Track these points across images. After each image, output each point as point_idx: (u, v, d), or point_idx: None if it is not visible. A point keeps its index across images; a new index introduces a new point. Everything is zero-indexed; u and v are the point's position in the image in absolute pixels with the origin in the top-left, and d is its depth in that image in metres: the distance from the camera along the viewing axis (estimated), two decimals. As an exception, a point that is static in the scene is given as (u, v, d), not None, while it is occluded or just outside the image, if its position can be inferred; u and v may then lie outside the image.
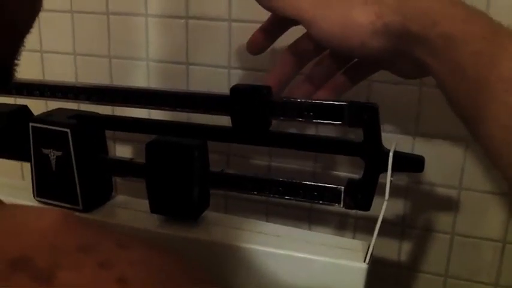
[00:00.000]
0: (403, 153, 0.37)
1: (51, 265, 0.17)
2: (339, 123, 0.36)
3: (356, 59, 0.39)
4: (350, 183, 0.38)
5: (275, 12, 0.38)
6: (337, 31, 0.34)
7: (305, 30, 0.37)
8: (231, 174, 0.40)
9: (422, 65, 0.33)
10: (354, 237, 0.50)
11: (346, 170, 0.49)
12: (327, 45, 0.36)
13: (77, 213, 0.40)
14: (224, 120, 0.40)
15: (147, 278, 0.18)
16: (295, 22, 0.37)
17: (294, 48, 0.39)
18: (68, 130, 0.41)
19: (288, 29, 0.40)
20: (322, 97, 0.39)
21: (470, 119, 0.32)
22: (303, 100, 0.37)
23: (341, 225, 0.51)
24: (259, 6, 0.38)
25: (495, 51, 0.30)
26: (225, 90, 0.49)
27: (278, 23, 0.40)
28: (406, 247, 0.49)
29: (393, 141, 0.37)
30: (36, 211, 0.20)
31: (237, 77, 0.49)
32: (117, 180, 0.54)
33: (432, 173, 0.46)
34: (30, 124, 0.42)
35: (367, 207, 0.37)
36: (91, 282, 0.17)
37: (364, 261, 0.36)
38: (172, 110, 0.41)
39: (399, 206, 0.48)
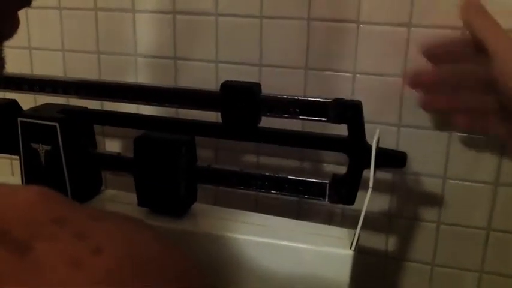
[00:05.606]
0: (386, 149, 0.37)
1: (27, 237, 0.18)
2: (323, 119, 0.37)
3: None
4: (334, 178, 0.38)
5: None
6: None
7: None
8: (217, 169, 0.41)
9: None
10: (341, 228, 0.50)
11: (334, 162, 0.49)
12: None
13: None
14: (212, 116, 0.41)
15: (122, 248, 0.18)
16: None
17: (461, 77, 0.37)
18: (57, 124, 0.41)
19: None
20: (461, 123, 0.37)
21: None
22: (289, 97, 0.38)
23: (329, 217, 0.51)
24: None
25: None
26: (212, 84, 0.50)
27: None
28: (394, 237, 0.50)
29: (378, 133, 0.37)
30: (12, 188, 0.20)
31: (224, 71, 0.50)
32: (107, 175, 0.55)
33: (417, 163, 0.47)
34: (19, 119, 0.42)
35: (351, 201, 0.38)
36: (67, 253, 0.17)
37: (350, 248, 0.37)
38: (161, 106, 0.42)
39: (386, 197, 0.49)
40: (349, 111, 0.36)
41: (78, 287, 0.16)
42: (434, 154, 0.46)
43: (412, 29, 0.44)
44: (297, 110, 0.37)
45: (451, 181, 0.47)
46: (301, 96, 0.37)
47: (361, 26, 0.45)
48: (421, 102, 0.39)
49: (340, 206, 0.50)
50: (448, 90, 0.38)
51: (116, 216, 0.21)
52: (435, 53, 0.38)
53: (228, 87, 0.38)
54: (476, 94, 0.37)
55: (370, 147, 0.36)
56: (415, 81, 0.39)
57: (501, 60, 0.33)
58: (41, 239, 0.18)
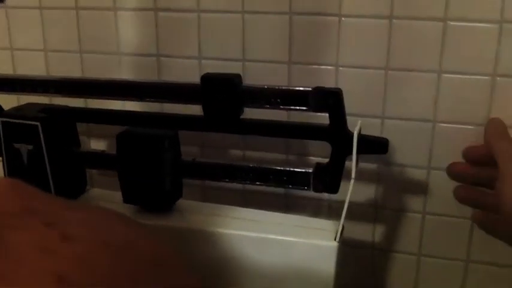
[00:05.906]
0: (368, 136, 0.38)
1: None
2: (304, 108, 0.37)
3: None
4: (318, 167, 0.38)
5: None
6: None
7: None
8: (202, 162, 0.41)
9: None
10: (328, 221, 0.51)
11: (319, 155, 0.50)
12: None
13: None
14: (199, 110, 0.41)
15: (94, 235, 0.18)
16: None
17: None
18: (38, 123, 0.41)
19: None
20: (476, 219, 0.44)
21: None
22: (270, 87, 0.38)
23: (317, 209, 0.51)
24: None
25: None
26: (196, 80, 0.50)
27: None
28: (380, 228, 0.50)
29: (361, 124, 0.38)
30: None
31: (208, 67, 0.50)
32: (94, 175, 0.54)
33: (402, 154, 0.47)
34: (0, 119, 0.42)
35: (335, 189, 0.38)
36: (37, 240, 0.17)
37: (335, 240, 0.37)
38: (143, 101, 0.41)
39: (371, 189, 0.49)
40: (329, 99, 0.36)
41: (48, 274, 0.16)
42: (418, 145, 0.47)
43: (394, 21, 0.44)
44: (278, 100, 0.37)
45: (435, 171, 0.47)
46: (282, 86, 0.37)
47: (342, 19, 0.45)
48: (454, 190, 0.44)
49: (327, 198, 0.50)
50: (474, 185, 0.43)
51: (92, 207, 0.21)
52: (469, 156, 0.44)
53: (208, 79, 0.38)
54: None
55: (352, 134, 0.36)
56: (448, 169, 0.44)
57: (509, 185, 0.36)
58: (12, 229, 0.18)
